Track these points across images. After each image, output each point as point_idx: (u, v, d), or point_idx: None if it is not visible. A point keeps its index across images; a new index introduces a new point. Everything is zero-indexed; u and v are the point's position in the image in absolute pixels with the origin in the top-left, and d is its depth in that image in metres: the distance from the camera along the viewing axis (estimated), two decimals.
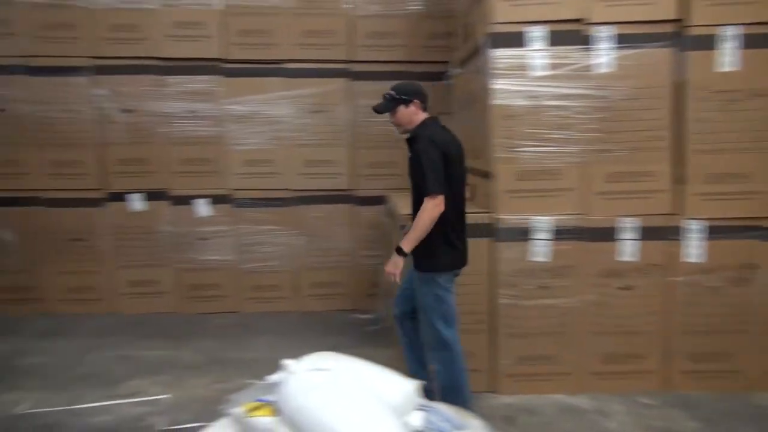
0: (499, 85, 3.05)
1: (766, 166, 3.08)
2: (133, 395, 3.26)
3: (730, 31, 2.96)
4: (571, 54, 3.03)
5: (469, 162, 3.46)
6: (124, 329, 4.31)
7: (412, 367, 2.91)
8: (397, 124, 2.79)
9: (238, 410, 1.83)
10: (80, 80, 4.45)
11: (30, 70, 4.43)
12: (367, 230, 4.76)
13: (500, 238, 3.15)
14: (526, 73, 3.04)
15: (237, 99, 4.54)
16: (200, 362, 3.74)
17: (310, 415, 1.69)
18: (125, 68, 4.47)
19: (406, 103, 2.71)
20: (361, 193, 4.72)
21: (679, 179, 3.13)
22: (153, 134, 4.54)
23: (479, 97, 3.35)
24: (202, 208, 4.61)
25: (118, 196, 4.58)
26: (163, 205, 4.61)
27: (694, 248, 3.15)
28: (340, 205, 4.72)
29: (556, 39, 3.01)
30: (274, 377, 1.91)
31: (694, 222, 3.12)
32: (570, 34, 3.02)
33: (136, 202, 4.58)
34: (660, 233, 3.16)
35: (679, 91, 3.05)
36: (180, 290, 4.69)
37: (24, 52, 4.43)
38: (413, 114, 2.72)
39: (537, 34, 3.00)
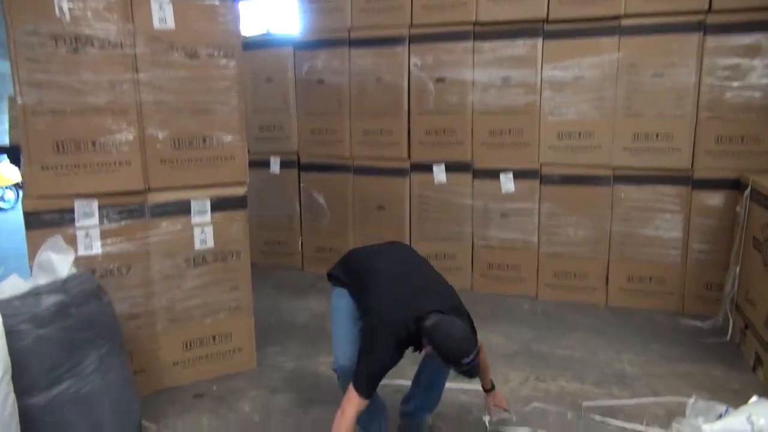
0: None
1: None
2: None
3: None
4: None
5: None
6: None
7: None
8: None
9: None
10: (396, 50, 4.40)
11: (351, 42, 4.54)
12: (706, 219, 3.88)
13: None
14: None
15: (557, 64, 4.01)
16: (513, 351, 3.40)
17: None
18: (441, 35, 4.28)
19: None
20: (703, 174, 3.84)
21: None
22: (462, 104, 4.30)
23: None
24: (507, 183, 4.26)
25: (423, 167, 4.48)
26: (466, 178, 4.38)
27: None
28: (673, 187, 3.91)
29: None
30: (725, 427, 1.40)
31: None
32: None
33: (440, 174, 4.44)
34: None
35: None
36: (477, 267, 4.46)
37: (346, 26, 4.54)
38: None
39: None
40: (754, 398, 1.55)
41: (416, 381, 2.48)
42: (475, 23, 4.19)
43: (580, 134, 4.06)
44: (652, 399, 2.84)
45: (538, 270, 4.31)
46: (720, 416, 1.61)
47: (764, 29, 3.61)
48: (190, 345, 2.94)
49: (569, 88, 4.03)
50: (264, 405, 2.80)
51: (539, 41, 4.05)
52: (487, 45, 4.18)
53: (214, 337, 3.00)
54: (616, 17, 3.87)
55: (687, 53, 3.76)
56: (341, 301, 2.32)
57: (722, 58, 3.71)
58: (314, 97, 4.73)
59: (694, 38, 3.74)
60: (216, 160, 2.89)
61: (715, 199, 3.84)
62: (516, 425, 2.62)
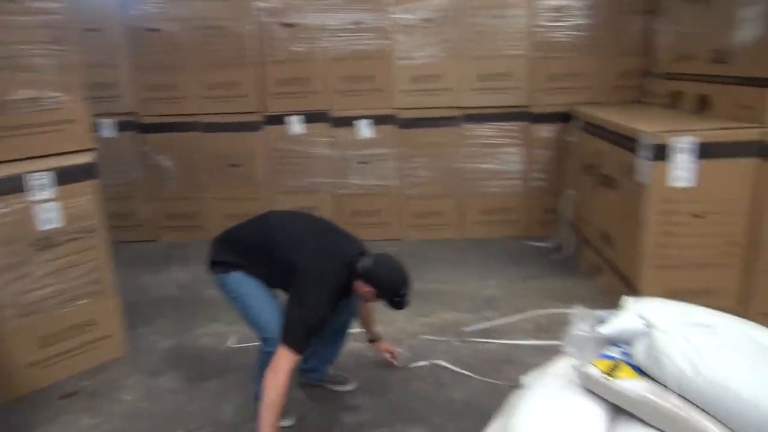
0: None
1: None
2: None
3: None
4: None
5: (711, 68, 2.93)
6: None
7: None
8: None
9: (594, 371, 1.51)
10: None
11: None
12: (542, 150, 4.30)
13: None
14: None
15: (407, 6, 4.04)
16: None
17: (713, 384, 1.34)
18: None
19: None
20: (539, 109, 4.22)
21: None
22: (313, 50, 4.17)
23: None
24: (364, 130, 4.28)
25: (278, 119, 4.30)
26: (323, 127, 4.31)
27: None
28: (515, 123, 4.25)
29: None
30: (619, 326, 1.59)
31: None
32: None
33: (295, 125, 4.30)
34: None
35: None
36: (340, 216, 4.48)
37: None
38: None
39: None
40: (630, 299, 1.78)
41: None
42: None
43: (430, 77, 4.18)
44: (519, 316, 3.14)
45: (400, 213, 4.46)
46: (602, 320, 1.83)
47: None
48: (48, 341, 2.57)
49: (419, 31, 4.10)
50: (148, 390, 2.58)
51: None
52: None
53: (75, 327, 2.64)
54: None
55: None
56: (248, 281, 2.14)
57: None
58: (149, 48, 4.23)
59: None
60: (51, 125, 2.47)
61: (549, 131, 4.26)
62: (413, 360, 2.73)
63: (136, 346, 2.91)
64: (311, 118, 4.30)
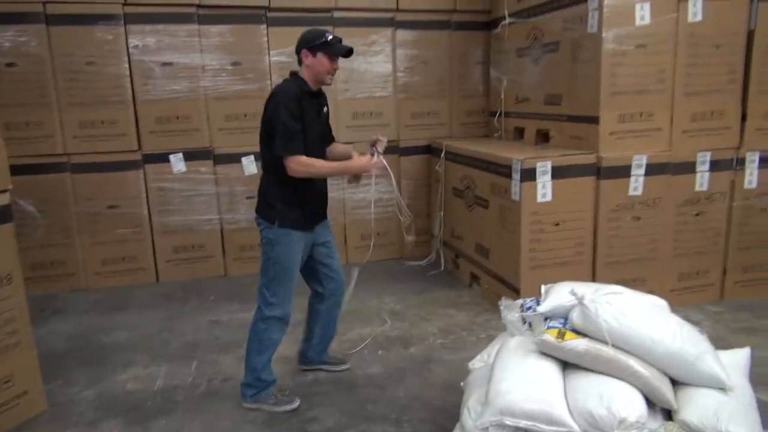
0: (608, 33, 3.28)
1: None
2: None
3: None
4: (669, 3, 3.33)
5: (545, 108, 3.81)
6: (183, 296, 4.11)
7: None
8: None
9: (548, 338, 1.97)
10: (109, 30, 4.00)
11: (48, 19, 3.90)
12: (410, 179, 4.86)
13: (604, 176, 3.45)
14: (631, 22, 3.29)
15: (284, 50, 4.33)
16: (304, 319, 3.70)
17: (632, 333, 1.87)
18: (160, 16, 4.08)
19: None
20: (405, 143, 4.78)
21: (743, 116, 3.60)
22: (194, 89, 4.23)
23: (574, 45, 3.55)
24: (251, 166, 4.42)
25: (158, 157, 4.24)
26: (207, 165, 4.35)
27: (752, 176, 3.67)
28: (386, 156, 4.72)
29: None
30: (552, 304, 2.08)
31: (752, 153, 3.64)
32: None
33: (179, 163, 4.28)
34: (726, 165, 3.63)
35: (749, 39, 3.48)
36: (230, 252, 4.52)
37: None
38: None
39: None
40: (551, 285, 2.30)
41: (310, 329, 2.88)
42: (198, 5, 4.15)
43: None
44: (431, 325, 3.57)
45: None
46: (522, 307, 2.32)
47: (430, 28, 4.68)
48: None
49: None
50: None
51: (262, 27, 4.30)
52: (213, 29, 4.20)
53: None
54: (328, 9, 4.42)
55: (383, 44, 4.59)
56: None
57: (408, 49, 4.67)
58: (5, 84, 3.89)
59: (388, 32, 4.59)
60: None
61: (416, 162, 4.84)
62: (338, 364, 3.00)
63: (56, 401, 2.70)
64: (193, 155, 4.32)
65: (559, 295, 2.14)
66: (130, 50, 4.07)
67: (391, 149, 4.72)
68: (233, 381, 2.84)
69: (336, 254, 2.83)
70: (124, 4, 4.01)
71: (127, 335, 3.47)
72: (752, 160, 3.64)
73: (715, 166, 3.60)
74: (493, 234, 3.80)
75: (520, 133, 4.37)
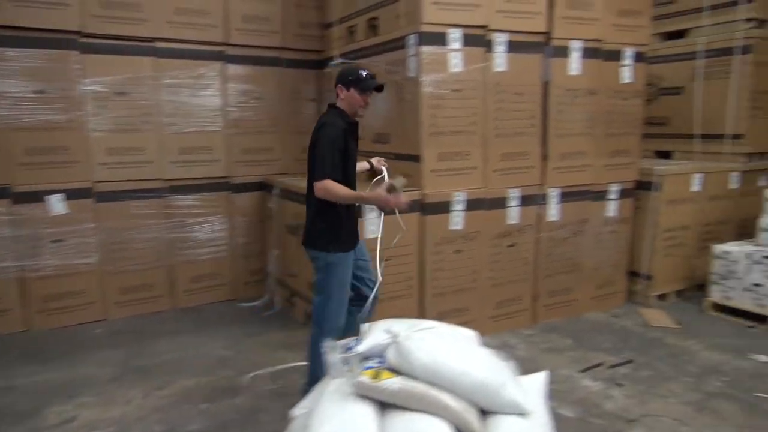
0: (426, 77, 3.49)
1: (594, 146, 4.17)
2: (67, 422, 2.81)
3: (576, 44, 3.93)
4: (478, 54, 3.63)
5: (374, 146, 3.95)
6: None
7: None
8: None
9: (364, 379, 1.95)
10: None
11: None
12: (243, 217, 4.69)
13: (428, 211, 3.62)
14: (446, 68, 3.54)
15: (98, 79, 3.99)
16: (117, 374, 3.34)
17: (443, 366, 1.93)
18: None
19: None
20: (237, 180, 4.63)
21: (543, 157, 4.02)
22: None
23: (398, 87, 3.72)
24: (57, 205, 3.95)
25: None
26: (3, 204, 3.81)
27: (553, 210, 4.10)
28: (217, 193, 4.55)
29: (468, 41, 3.57)
30: (370, 343, 2.08)
31: (553, 189, 4.07)
32: (477, 38, 3.61)
33: None
34: (532, 200, 4.02)
35: (545, 88, 3.92)
36: (29, 304, 3.96)
37: None
38: None
39: (455, 35, 3.52)
40: (369, 325, 2.30)
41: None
42: None
43: (130, 150, 4.18)
44: (266, 370, 3.39)
45: (104, 291, 4.20)
46: (350, 348, 2.30)
47: (261, 63, 4.64)
48: None
49: (113, 104, 4.08)
50: None
51: (74, 53, 3.92)
52: (12, 53, 3.74)
53: None
54: (151, 39, 4.17)
55: (213, 77, 4.44)
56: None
57: (239, 83, 4.57)
58: None
59: (218, 66, 4.45)
60: None
61: (248, 199, 4.70)
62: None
63: None
64: None
65: (377, 334, 2.15)
66: None
67: (222, 186, 4.57)
68: None
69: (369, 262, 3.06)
70: None
71: None
72: (553, 195, 4.07)
73: (524, 201, 3.96)
74: None
75: None
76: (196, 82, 4.37)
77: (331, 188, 2.62)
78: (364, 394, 1.97)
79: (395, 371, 2.00)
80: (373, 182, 3.24)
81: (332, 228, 2.78)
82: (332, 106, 2.84)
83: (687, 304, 4.57)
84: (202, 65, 4.38)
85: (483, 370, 1.97)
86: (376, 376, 1.98)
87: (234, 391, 3.14)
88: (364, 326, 2.32)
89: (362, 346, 2.13)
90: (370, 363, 2.07)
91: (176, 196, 4.39)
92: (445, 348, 2.00)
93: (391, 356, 2.02)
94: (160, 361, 3.52)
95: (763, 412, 2.94)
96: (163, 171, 4.32)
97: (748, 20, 4.77)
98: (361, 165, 3.22)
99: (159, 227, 4.35)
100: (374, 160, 3.37)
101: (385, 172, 3.29)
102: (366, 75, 2.78)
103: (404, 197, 2.75)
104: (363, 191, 2.84)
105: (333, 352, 2.31)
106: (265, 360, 3.53)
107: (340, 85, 2.78)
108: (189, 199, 4.45)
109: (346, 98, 2.78)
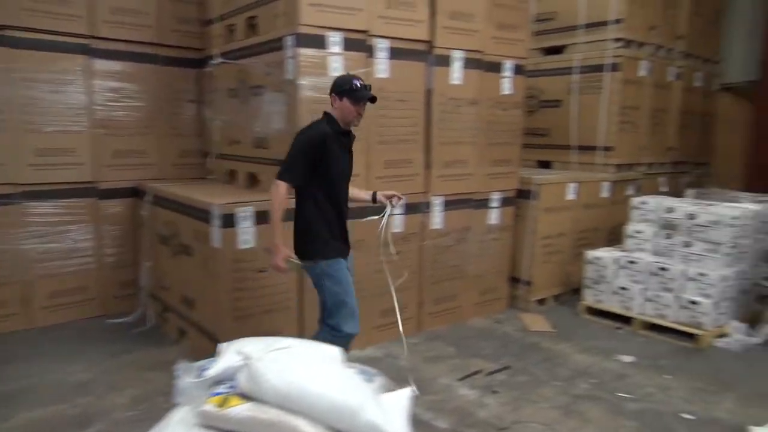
0: (304, 80, 3.36)
1: (476, 155, 4.24)
2: None
3: (458, 54, 3.97)
4: (359, 59, 3.56)
5: (255, 152, 3.80)
6: None
7: None
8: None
9: (209, 408, 1.78)
10: None
11: None
12: (113, 226, 4.32)
13: None
14: (326, 72, 3.43)
15: None
16: None
17: (297, 389, 1.81)
18: None
19: None
20: (106, 185, 4.25)
21: (427, 165, 4.02)
22: None
23: (276, 89, 3.56)
24: None
25: None
26: None
27: (437, 218, 4.12)
28: (81, 200, 4.15)
29: (348, 45, 3.49)
30: (222, 366, 1.91)
31: (436, 197, 4.09)
32: (358, 42, 3.53)
33: None
34: (417, 208, 4.01)
35: (428, 96, 3.93)
36: None
37: None
38: None
39: (335, 38, 3.42)
40: (225, 344, 2.12)
41: None
42: None
43: None
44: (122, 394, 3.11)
45: None
46: (204, 368, 2.11)
47: (134, 60, 4.32)
48: None
49: None
50: None
51: None
52: None
53: None
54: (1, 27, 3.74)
55: (76, 72, 4.05)
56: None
57: (109, 80, 4.20)
58: None
59: (81, 60, 4.07)
60: None
61: (118, 206, 4.34)
62: None
63: None
64: None
65: (230, 356, 1.99)
66: None
67: (87, 192, 4.18)
68: None
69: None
70: None
71: None
72: (437, 203, 4.09)
73: (409, 209, 3.94)
74: (199, 284, 3.55)
75: (233, 175, 4.24)
76: (55, 76, 3.97)
77: (276, 193, 2.66)
78: (209, 425, 1.81)
79: (246, 396, 1.86)
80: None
81: (318, 235, 2.79)
82: (326, 113, 2.83)
83: (564, 308, 4.78)
84: (63, 58, 3.99)
85: (341, 391, 1.87)
86: (222, 404, 1.82)
87: (87, 421, 2.83)
88: (220, 346, 2.15)
89: (212, 370, 1.96)
90: (221, 388, 1.91)
91: (33, 203, 3.96)
92: (300, 369, 1.87)
93: (242, 380, 1.87)
94: (5, 390, 3.12)
95: (625, 412, 3.08)
96: (17, 175, 3.87)
97: (617, 40, 5.08)
98: (358, 194, 3.04)
99: (11, 237, 3.90)
100: (383, 194, 3.05)
101: (388, 209, 3.01)
102: (359, 86, 2.75)
103: (280, 261, 2.69)
104: (283, 229, 2.73)
105: (185, 375, 2.13)
106: (129, 382, 3.24)
107: (333, 94, 2.78)
108: (48, 206, 4.02)
109: (339, 107, 2.76)
